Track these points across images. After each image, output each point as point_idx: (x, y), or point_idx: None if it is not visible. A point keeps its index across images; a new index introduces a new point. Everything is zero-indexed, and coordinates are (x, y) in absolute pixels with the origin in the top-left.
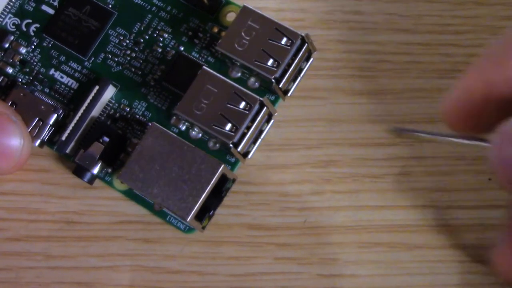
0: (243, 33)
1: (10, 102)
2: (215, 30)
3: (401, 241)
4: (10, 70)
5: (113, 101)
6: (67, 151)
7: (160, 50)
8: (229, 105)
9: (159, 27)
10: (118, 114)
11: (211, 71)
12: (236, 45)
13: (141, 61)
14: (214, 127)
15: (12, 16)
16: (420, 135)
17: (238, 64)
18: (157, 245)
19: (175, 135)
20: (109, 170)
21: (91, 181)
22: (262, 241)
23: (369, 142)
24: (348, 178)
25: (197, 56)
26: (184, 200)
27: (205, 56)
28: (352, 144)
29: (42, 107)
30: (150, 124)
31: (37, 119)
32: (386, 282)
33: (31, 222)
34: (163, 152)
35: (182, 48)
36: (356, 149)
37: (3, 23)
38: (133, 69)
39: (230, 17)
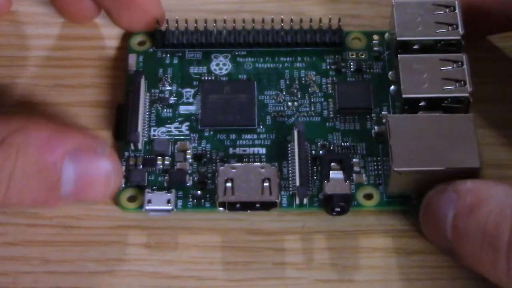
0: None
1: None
2: (353, 55)
3: (400, 246)
4: (189, 168)
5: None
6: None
7: (317, 90)
8: (444, 69)
9: (302, 75)
10: (318, 152)
11: (407, 55)
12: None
13: (308, 105)
14: (445, 89)
15: (156, 128)
16: None
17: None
18: (155, 250)
19: (413, 114)
20: None
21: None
22: (261, 246)
23: None
24: None
25: (352, 79)
26: (463, 152)
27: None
28: None
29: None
30: (387, 119)
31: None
32: None
33: (29, 226)
34: (414, 132)
35: (335, 79)
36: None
37: (155, 136)
38: (306, 114)
39: (355, 42)
